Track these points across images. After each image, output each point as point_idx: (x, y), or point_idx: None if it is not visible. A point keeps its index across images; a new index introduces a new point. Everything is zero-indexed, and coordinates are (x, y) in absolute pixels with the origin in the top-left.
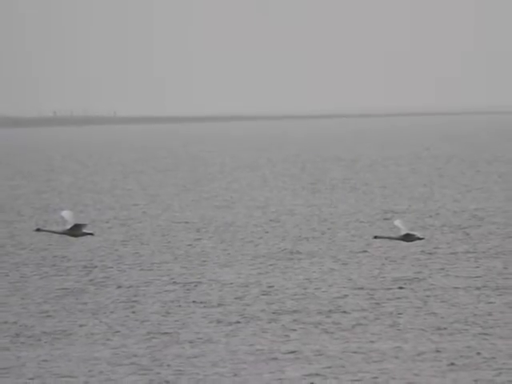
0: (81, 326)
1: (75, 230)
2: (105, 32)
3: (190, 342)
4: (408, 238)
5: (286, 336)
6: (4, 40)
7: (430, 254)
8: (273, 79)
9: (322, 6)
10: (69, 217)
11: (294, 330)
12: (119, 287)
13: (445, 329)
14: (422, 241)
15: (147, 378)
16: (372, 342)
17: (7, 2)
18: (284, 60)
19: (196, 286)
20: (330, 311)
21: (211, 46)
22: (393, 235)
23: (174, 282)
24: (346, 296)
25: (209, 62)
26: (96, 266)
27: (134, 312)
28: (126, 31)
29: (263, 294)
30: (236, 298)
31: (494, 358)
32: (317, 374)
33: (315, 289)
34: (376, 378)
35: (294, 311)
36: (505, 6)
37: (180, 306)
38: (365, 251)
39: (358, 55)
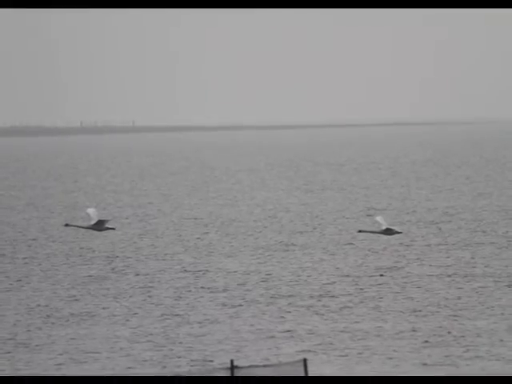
0: (104, 308)
1: (99, 225)
2: (125, 52)
3: (199, 323)
4: (388, 232)
5: (282, 317)
6: (37, 60)
7: (407, 245)
8: (271, 93)
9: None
10: (93, 214)
11: (289, 311)
12: (137, 275)
13: (420, 311)
14: (400, 234)
15: (162, 353)
16: (357, 322)
17: (36, 21)
18: (281, 78)
19: (204, 273)
20: (320, 295)
21: (217, 63)
22: (375, 229)
23: (185, 270)
24: (334, 282)
25: (215, 78)
26: (117, 257)
27: (150, 296)
28: (144, 52)
29: (262, 281)
30: (239, 284)
31: (462, 336)
32: (309, 350)
33: (307, 276)
34: (360, 353)
35: (289, 296)
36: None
37: (190, 291)
38: (350, 243)
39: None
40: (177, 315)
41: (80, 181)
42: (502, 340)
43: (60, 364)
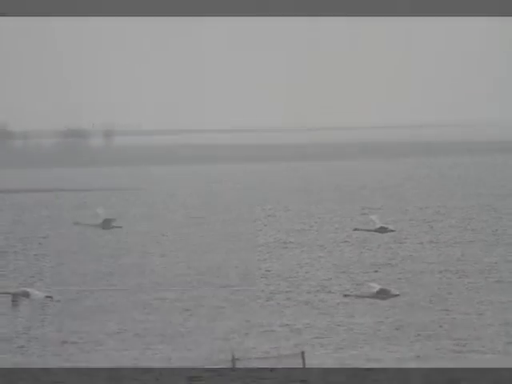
0: (112, 303)
1: (106, 224)
2: (132, 58)
3: (203, 317)
4: (382, 230)
5: (281, 312)
6: (45, 65)
7: (401, 243)
8: (271, 95)
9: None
10: (101, 213)
11: (288, 306)
12: (143, 271)
13: (412, 305)
14: (394, 232)
15: (170, 347)
16: (352, 316)
17: (41, 30)
18: (281, 80)
19: (206, 270)
20: (317, 291)
21: (219, 67)
22: (370, 228)
23: (189, 267)
24: (330, 278)
25: (217, 84)
26: (123, 254)
27: (155, 291)
28: (149, 58)
29: (262, 277)
30: (240, 280)
31: (453, 330)
32: (307, 344)
33: (305, 272)
34: (356, 346)
35: (288, 291)
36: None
37: (194, 286)
38: (346, 241)
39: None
40: (182, 310)
41: (89, 181)
42: (490, 333)
43: (71, 354)
